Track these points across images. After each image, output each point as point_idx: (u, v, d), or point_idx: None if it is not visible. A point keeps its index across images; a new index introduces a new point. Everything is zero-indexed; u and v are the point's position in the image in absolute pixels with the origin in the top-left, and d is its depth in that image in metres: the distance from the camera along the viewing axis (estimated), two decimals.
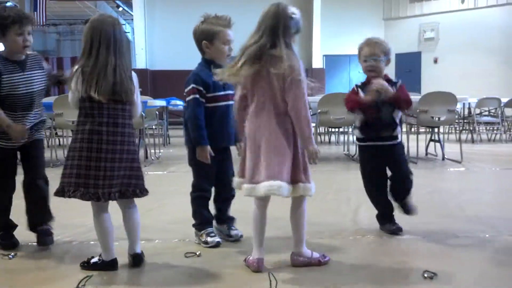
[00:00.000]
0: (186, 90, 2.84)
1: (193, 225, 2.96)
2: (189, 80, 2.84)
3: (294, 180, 2.41)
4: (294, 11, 2.45)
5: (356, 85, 3.16)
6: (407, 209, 3.11)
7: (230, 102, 2.87)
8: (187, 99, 2.85)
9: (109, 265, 2.45)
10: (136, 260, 2.52)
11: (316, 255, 2.55)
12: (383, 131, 3.04)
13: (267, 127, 2.41)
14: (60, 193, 2.40)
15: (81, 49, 2.42)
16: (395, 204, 3.13)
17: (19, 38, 2.71)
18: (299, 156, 2.45)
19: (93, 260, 2.50)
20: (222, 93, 2.87)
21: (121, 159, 2.40)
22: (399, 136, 3.11)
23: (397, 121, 3.07)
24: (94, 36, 2.37)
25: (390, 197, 3.13)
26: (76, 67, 2.39)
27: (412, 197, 3.12)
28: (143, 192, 2.50)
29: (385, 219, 3.14)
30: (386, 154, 3.08)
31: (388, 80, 3.05)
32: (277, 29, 2.39)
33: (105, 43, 2.36)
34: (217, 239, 2.86)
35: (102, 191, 2.36)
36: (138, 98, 2.52)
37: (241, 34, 2.79)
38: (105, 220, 2.45)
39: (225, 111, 2.88)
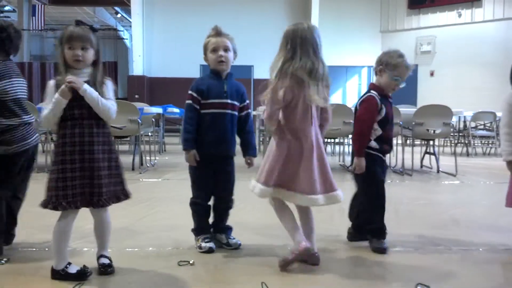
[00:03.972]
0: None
1: (192, 230, 3.00)
2: (191, 86, 2.95)
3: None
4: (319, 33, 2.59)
5: (378, 98, 2.92)
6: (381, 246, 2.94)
7: (228, 111, 2.89)
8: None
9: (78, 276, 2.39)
10: (108, 268, 2.48)
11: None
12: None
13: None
14: (48, 205, 2.36)
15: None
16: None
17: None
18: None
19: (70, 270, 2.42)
20: (218, 100, 2.88)
21: (104, 167, 2.41)
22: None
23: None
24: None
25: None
26: (51, 81, 2.42)
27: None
28: (128, 195, 2.53)
29: (381, 234, 2.98)
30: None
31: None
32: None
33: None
34: (210, 245, 2.87)
35: (91, 198, 2.37)
36: (112, 103, 2.46)
37: (236, 41, 2.88)
38: (70, 229, 2.43)
39: (219, 119, 2.88)
